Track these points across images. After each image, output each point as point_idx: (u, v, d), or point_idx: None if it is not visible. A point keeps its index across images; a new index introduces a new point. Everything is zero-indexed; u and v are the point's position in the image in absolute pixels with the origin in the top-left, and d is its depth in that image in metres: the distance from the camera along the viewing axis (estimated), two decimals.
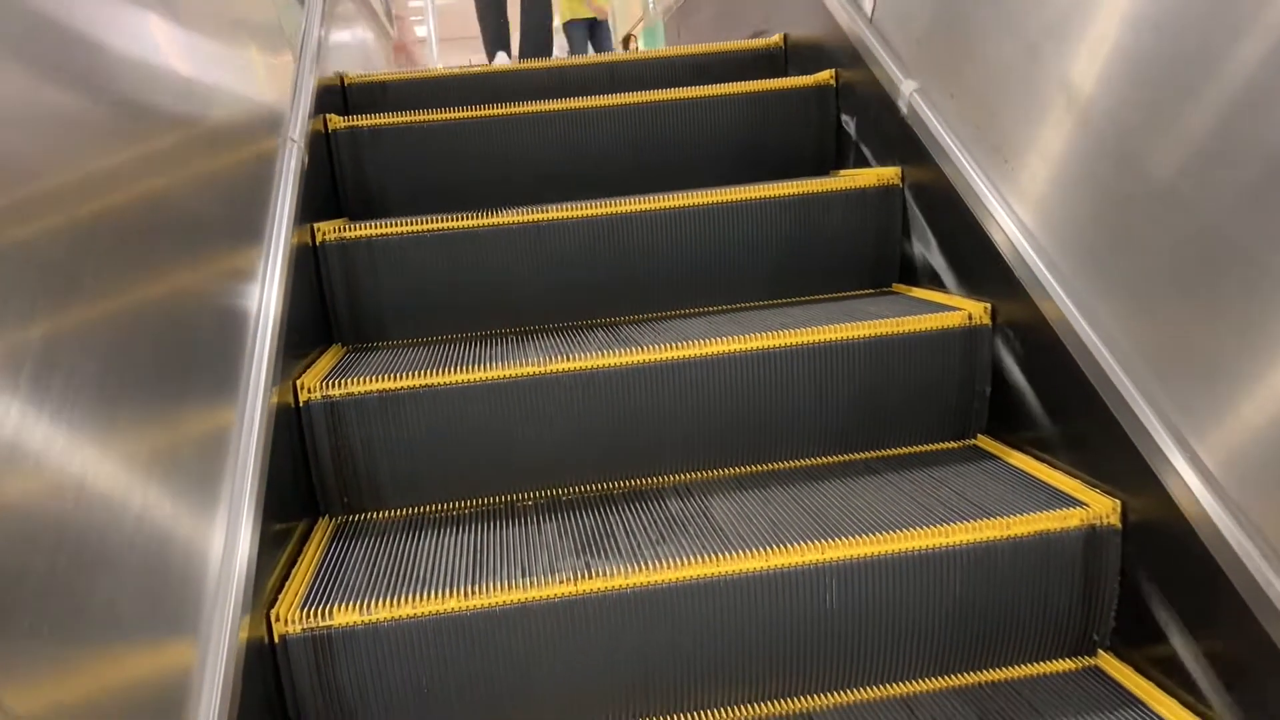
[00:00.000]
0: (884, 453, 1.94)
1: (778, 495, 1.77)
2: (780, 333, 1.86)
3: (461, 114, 2.53)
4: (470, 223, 2.15)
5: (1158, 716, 1.41)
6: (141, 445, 1.14)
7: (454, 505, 1.87)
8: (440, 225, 2.14)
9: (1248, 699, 1.30)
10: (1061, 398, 1.70)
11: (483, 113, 2.53)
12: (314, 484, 1.82)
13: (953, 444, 1.95)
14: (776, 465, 1.93)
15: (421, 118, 2.52)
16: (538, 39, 6.51)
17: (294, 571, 1.58)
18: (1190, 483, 1.34)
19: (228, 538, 1.31)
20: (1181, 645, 1.42)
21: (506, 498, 1.88)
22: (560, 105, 2.55)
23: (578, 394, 1.83)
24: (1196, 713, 1.39)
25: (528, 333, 2.17)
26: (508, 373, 1.81)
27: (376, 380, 1.79)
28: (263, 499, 1.42)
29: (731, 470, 1.92)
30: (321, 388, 1.78)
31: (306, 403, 1.77)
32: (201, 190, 1.52)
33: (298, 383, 1.78)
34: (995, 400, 1.91)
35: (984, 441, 1.93)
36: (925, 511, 1.61)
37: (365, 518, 1.83)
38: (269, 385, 1.56)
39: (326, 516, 1.84)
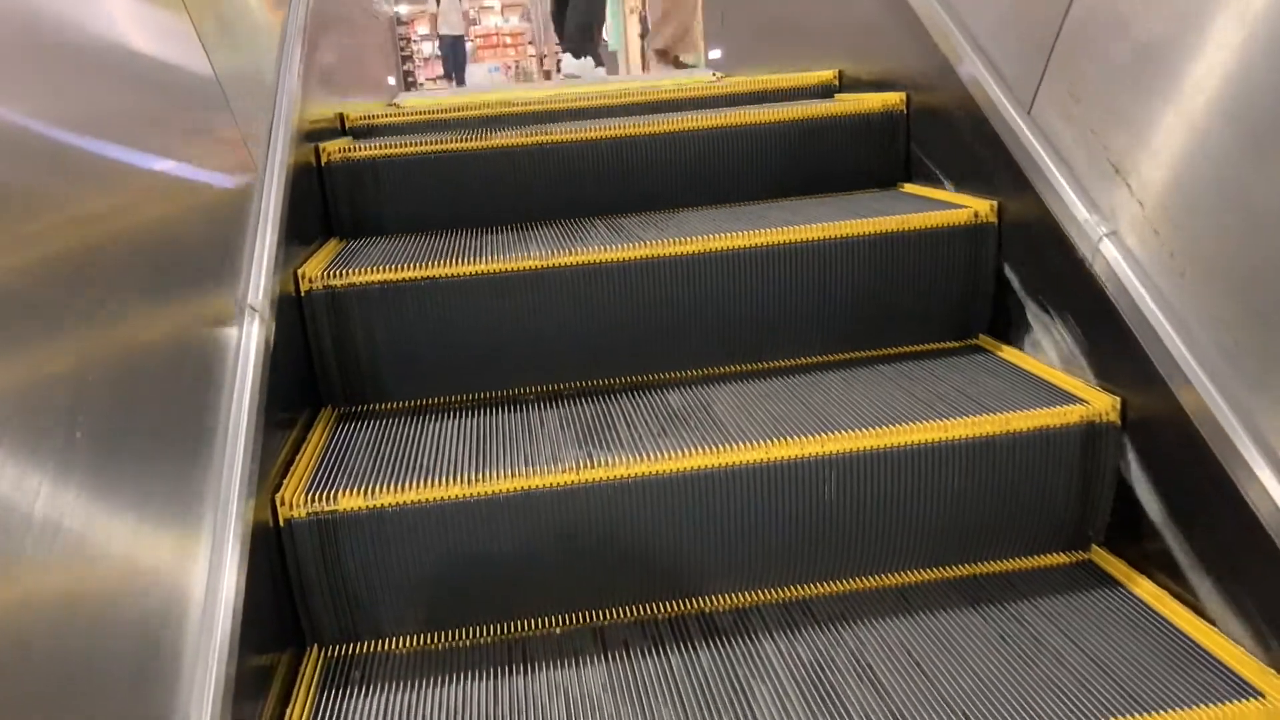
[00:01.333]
0: (886, 351, 1.94)
1: (779, 391, 1.77)
2: (785, 229, 1.84)
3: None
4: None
5: (1148, 608, 1.44)
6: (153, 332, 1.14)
7: (456, 397, 1.87)
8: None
9: (1238, 591, 1.33)
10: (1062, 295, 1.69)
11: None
12: (316, 375, 1.82)
13: (954, 343, 1.95)
14: (778, 363, 1.93)
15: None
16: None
17: (299, 458, 1.60)
18: (1194, 380, 1.34)
19: (231, 422, 1.31)
20: (1175, 541, 1.44)
21: (509, 391, 1.88)
22: None
23: (580, 287, 1.83)
24: (1185, 602, 1.42)
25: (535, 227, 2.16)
26: (511, 265, 1.80)
27: (378, 271, 1.78)
28: (266, 383, 1.43)
29: (733, 367, 1.92)
30: (323, 277, 1.77)
31: (308, 292, 1.77)
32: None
33: (299, 271, 1.77)
34: (997, 299, 1.91)
35: (986, 341, 1.93)
36: (926, 407, 1.62)
37: (369, 408, 1.84)
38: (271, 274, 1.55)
39: (330, 407, 1.84)
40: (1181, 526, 1.43)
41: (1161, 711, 1.23)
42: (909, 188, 2.25)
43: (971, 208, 1.88)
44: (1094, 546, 1.61)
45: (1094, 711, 1.24)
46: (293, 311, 1.73)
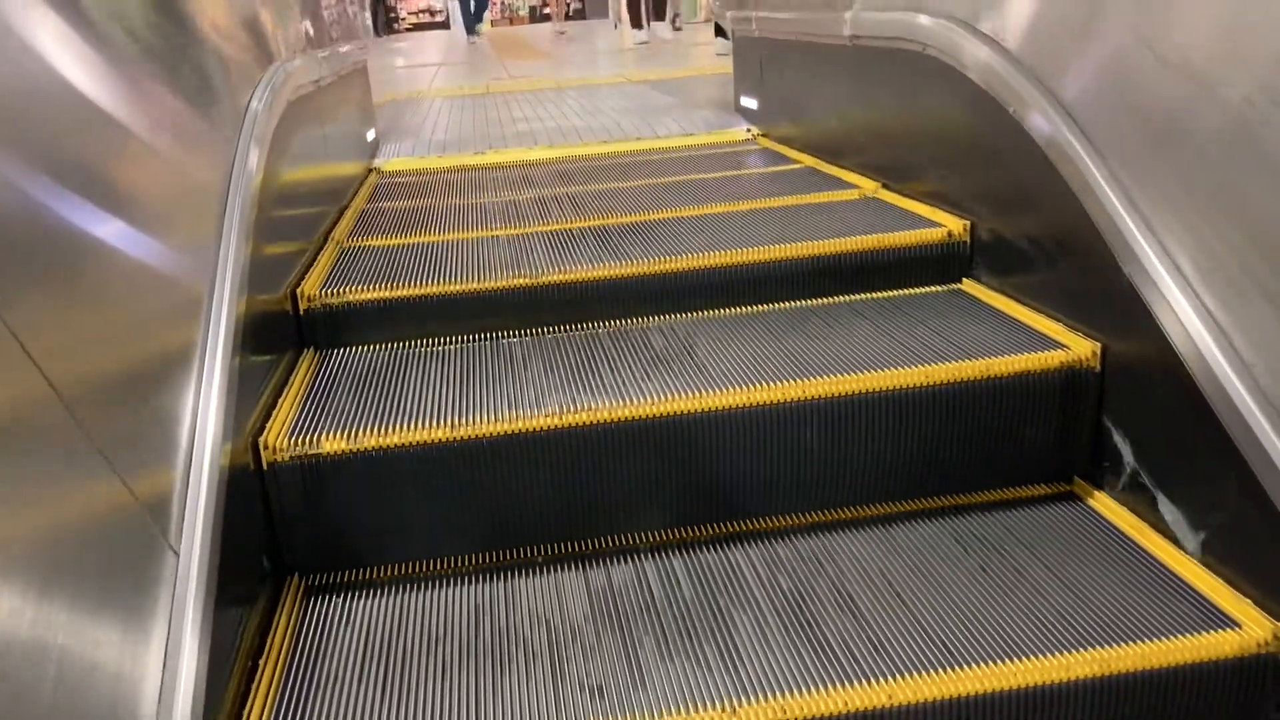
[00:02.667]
0: (869, 295, 1.94)
1: (760, 334, 1.77)
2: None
3: None
4: None
5: (1128, 539, 1.45)
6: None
7: (439, 340, 1.87)
8: None
9: (1204, 507, 1.34)
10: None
11: None
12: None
13: (938, 287, 1.95)
14: (759, 306, 1.93)
15: None
16: None
17: (281, 401, 1.59)
18: (1180, 320, 1.34)
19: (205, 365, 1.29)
20: (1154, 473, 1.45)
21: (492, 332, 1.88)
22: None
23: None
24: (1164, 533, 1.43)
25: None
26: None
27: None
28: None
29: (714, 311, 1.92)
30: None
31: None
32: None
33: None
34: (978, 242, 1.91)
35: (969, 285, 1.93)
36: (907, 352, 1.62)
37: (350, 351, 1.84)
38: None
39: (312, 348, 1.83)
40: (1161, 459, 1.44)
41: (1139, 641, 1.24)
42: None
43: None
44: (1075, 479, 1.62)
45: (1072, 641, 1.24)
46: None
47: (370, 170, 3.33)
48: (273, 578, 1.45)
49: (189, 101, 1.61)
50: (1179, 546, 1.40)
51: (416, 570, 1.51)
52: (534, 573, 1.48)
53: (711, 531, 1.56)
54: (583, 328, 1.88)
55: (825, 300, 1.93)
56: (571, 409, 1.49)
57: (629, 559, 1.50)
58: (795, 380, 1.53)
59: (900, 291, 1.94)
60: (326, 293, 1.85)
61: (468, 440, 1.47)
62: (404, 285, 1.88)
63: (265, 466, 1.43)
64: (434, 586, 1.46)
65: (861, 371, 1.55)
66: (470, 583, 1.47)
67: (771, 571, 1.43)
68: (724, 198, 2.47)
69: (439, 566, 1.52)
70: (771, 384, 1.53)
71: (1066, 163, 1.57)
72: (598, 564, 1.49)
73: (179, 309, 1.29)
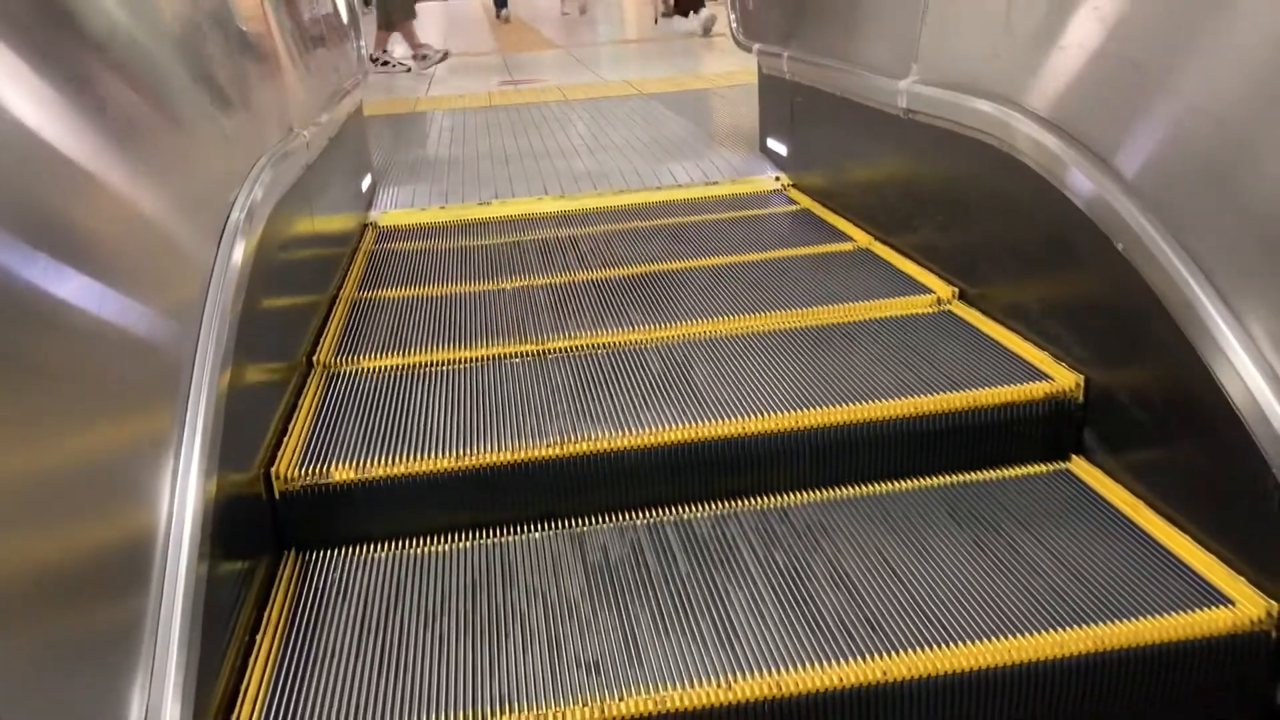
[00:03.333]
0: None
1: (754, 356, 1.82)
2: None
3: None
4: None
5: (1124, 516, 1.45)
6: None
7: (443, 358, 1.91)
8: None
9: (1211, 497, 1.35)
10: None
11: None
12: None
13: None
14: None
15: None
16: None
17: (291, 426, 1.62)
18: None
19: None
20: (1151, 451, 1.45)
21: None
22: None
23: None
24: (1159, 510, 1.43)
25: None
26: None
27: None
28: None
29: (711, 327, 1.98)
30: None
31: None
32: None
33: None
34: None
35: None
36: (899, 383, 1.68)
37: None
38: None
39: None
40: (1158, 437, 1.44)
41: (1134, 619, 1.24)
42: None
43: None
44: (1073, 456, 1.62)
45: (1068, 617, 1.25)
46: None
47: (366, 226, 2.96)
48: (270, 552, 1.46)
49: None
50: (1174, 524, 1.41)
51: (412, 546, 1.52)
52: (529, 550, 1.49)
53: (708, 510, 1.56)
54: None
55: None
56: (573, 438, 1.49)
57: (625, 536, 1.50)
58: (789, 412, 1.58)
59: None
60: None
61: None
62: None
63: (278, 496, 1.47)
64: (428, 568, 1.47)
65: (852, 403, 1.61)
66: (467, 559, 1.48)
67: (768, 548, 1.43)
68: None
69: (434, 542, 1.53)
70: (765, 415, 1.58)
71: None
72: (594, 541, 1.50)
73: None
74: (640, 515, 1.55)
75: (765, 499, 1.56)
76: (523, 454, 1.53)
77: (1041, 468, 1.61)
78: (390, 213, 3.15)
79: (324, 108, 2.53)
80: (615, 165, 3.70)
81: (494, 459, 1.53)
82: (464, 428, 1.61)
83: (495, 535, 1.52)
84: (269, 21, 2.14)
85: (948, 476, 1.60)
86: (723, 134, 4.17)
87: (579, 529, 1.52)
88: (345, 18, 3.47)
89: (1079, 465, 1.60)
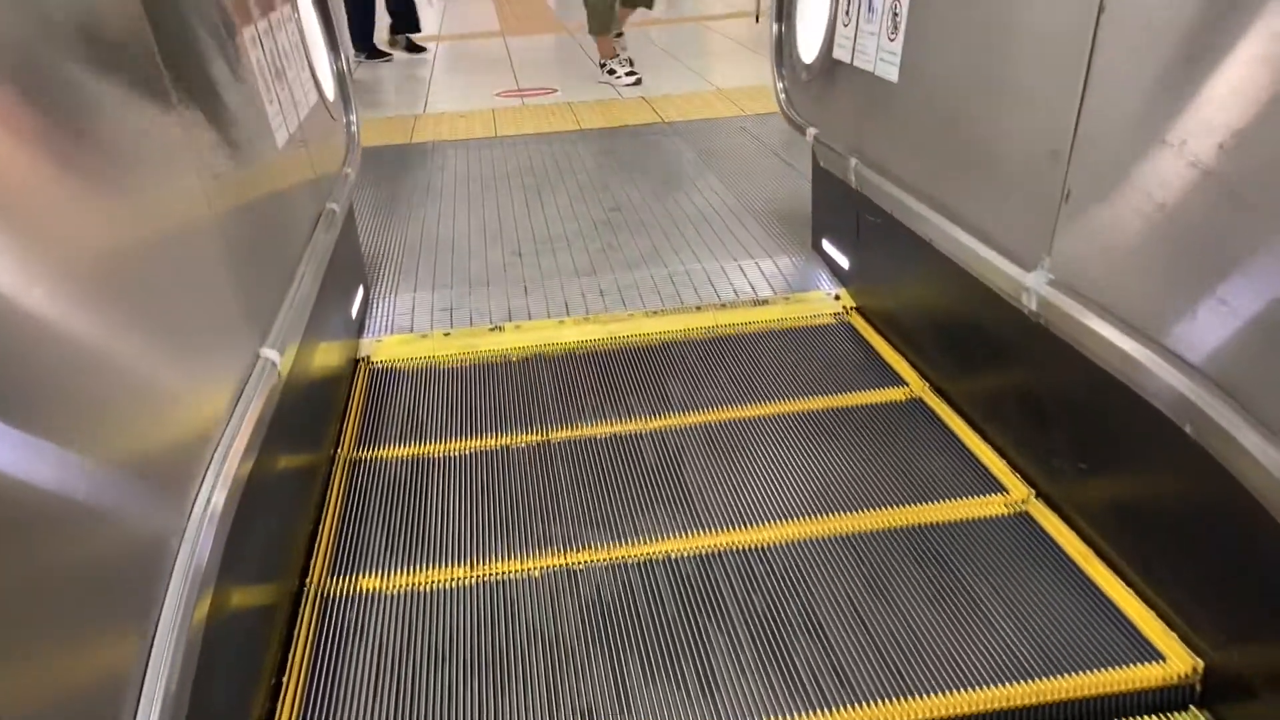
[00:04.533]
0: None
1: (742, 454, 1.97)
2: None
3: None
4: None
5: (1075, 566, 1.61)
6: None
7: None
8: None
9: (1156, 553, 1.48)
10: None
11: None
12: None
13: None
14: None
15: None
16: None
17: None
18: None
19: None
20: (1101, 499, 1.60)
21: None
22: None
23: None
24: (1108, 560, 1.58)
25: None
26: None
27: None
28: None
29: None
30: None
31: None
32: None
33: None
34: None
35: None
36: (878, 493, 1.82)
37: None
38: None
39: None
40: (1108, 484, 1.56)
41: (1072, 674, 1.39)
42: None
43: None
44: (1030, 498, 1.77)
45: (1013, 672, 1.40)
46: None
47: (358, 364, 2.50)
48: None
49: None
50: (1120, 576, 1.55)
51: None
52: (529, 588, 1.63)
53: (695, 547, 1.71)
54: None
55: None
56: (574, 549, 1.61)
57: (617, 574, 1.65)
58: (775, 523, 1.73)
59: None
60: None
61: None
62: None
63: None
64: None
65: (828, 515, 1.75)
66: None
67: (748, 591, 1.59)
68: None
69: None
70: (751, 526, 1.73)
71: None
72: (589, 579, 1.65)
73: None
74: (632, 552, 1.70)
75: (749, 535, 1.73)
76: None
77: (1003, 509, 1.77)
78: (386, 341, 2.61)
79: (301, 282, 1.82)
80: (638, 254, 3.13)
81: None
82: None
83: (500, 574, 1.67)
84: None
85: (913, 512, 1.76)
86: (764, 209, 3.51)
87: (574, 566, 1.68)
88: (335, 99, 2.71)
89: (1036, 508, 1.76)
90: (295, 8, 2.36)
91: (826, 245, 2.95)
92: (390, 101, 5.94)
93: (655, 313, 2.70)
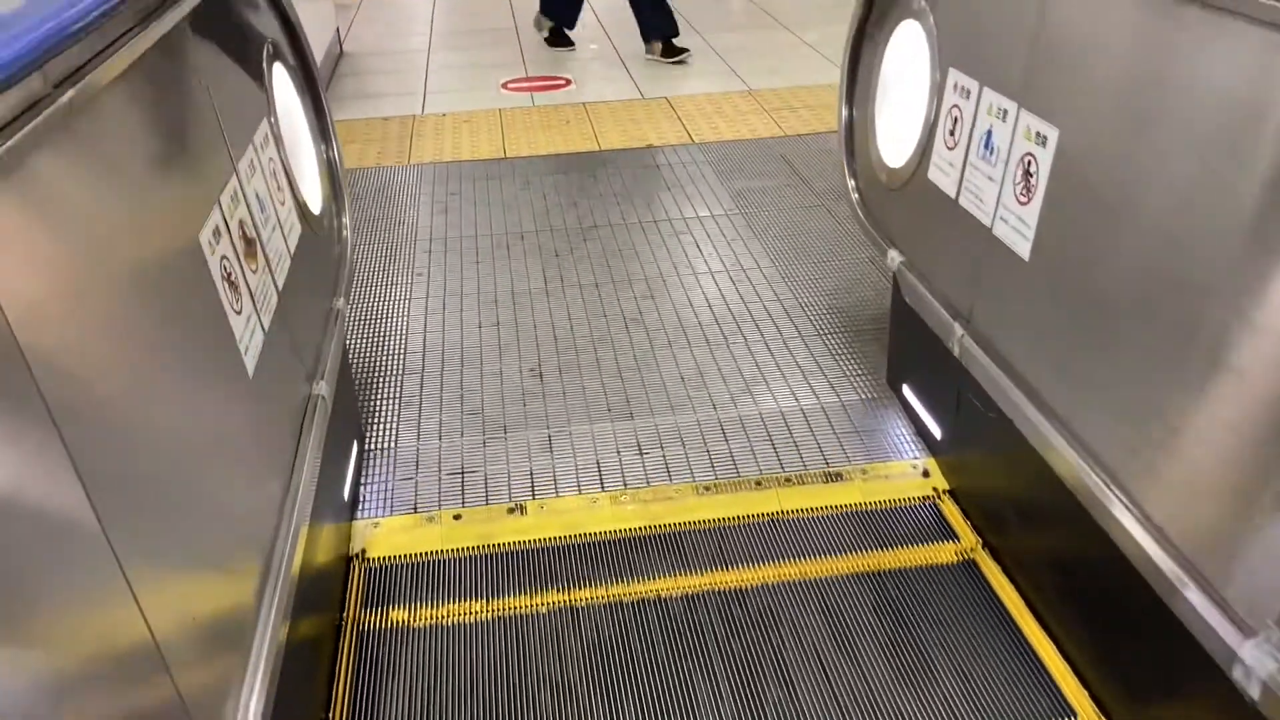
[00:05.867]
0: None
1: None
2: None
3: None
4: None
5: (1010, 619, 1.82)
6: None
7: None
8: None
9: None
10: None
11: None
12: None
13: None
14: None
15: None
16: None
17: None
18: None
19: None
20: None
21: None
22: None
23: None
24: (1036, 613, 1.76)
25: None
26: None
27: None
28: None
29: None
30: None
31: None
32: None
33: None
34: None
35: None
36: None
37: None
38: None
39: None
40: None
41: None
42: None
43: None
44: (978, 546, 1.98)
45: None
46: None
47: (349, 562, 2.08)
48: None
49: None
50: (1047, 629, 1.77)
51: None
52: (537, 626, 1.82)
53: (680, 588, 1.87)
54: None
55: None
56: None
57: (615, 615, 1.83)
58: None
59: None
60: None
61: None
62: None
63: None
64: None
65: None
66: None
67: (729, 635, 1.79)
68: None
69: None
70: None
71: None
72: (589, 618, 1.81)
73: None
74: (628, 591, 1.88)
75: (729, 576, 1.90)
76: None
77: (953, 556, 1.93)
78: (384, 524, 2.16)
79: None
80: (678, 376, 2.65)
81: None
82: None
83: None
84: None
85: (875, 559, 1.95)
86: (823, 304, 2.98)
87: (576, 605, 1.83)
88: (323, 205, 2.23)
89: (982, 557, 1.92)
90: (273, 129, 1.90)
91: (909, 393, 2.44)
92: (386, 90, 5.38)
93: (707, 488, 2.23)
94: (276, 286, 1.69)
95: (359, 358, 2.78)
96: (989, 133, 1.87)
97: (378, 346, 2.86)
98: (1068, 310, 1.61)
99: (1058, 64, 1.63)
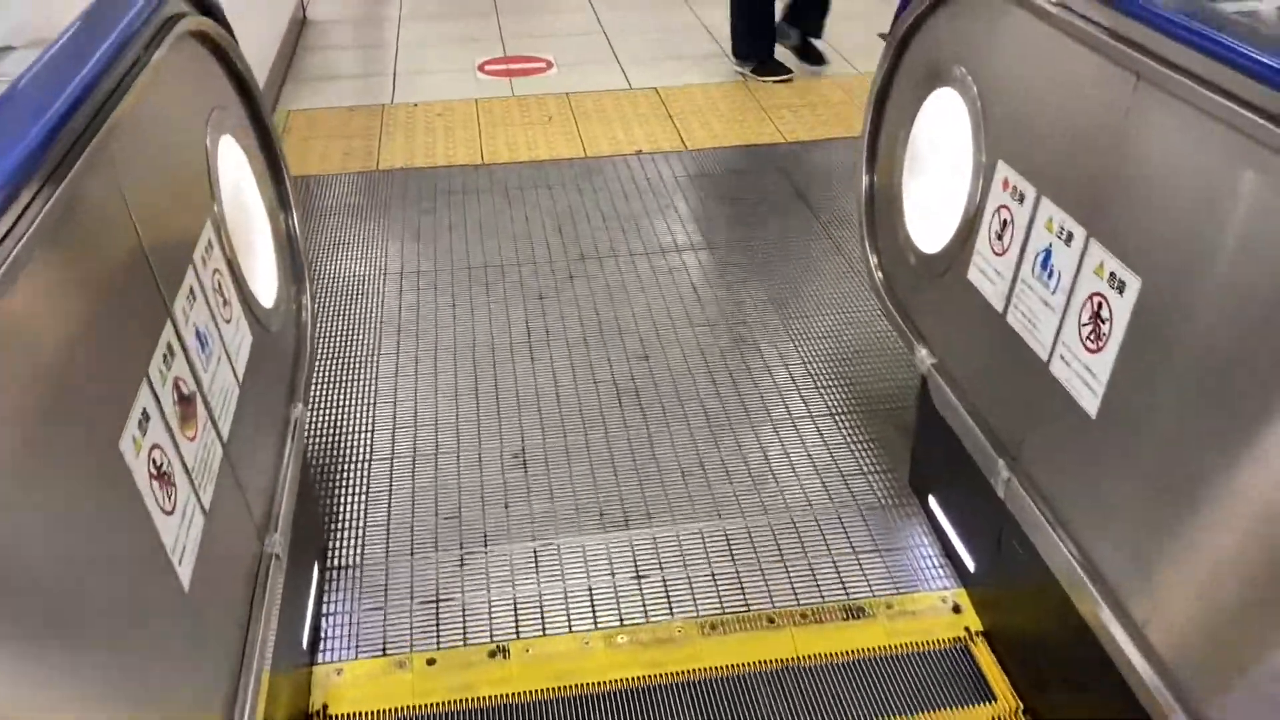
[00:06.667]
0: None
1: None
2: None
3: None
4: None
5: None
6: None
7: None
8: None
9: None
10: None
11: None
12: None
13: None
14: None
15: None
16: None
17: None
18: None
19: None
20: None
21: None
22: None
23: None
24: None
25: None
26: None
27: None
28: None
29: None
30: None
31: None
32: None
33: None
34: None
35: None
36: None
37: None
38: None
39: None
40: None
41: None
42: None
43: None
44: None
45: None
46: None
47: None
48: None
49: None
50: None
51: None
52: None
53: None
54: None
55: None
56: None
57: None
58: None
59: None
60: None
61: None
62: None
63: None
64: None
65: None
66: None
67: None
68: None
69: None
70: None
71: None
72: None
73: None
74: None
75: None
76: None
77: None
78: (348, 671, 1.90)
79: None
80: (676, 468, 2.37)
81: None
82: None
83: None
84: None
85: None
86: (838, 379, 2.68)
87: None
88: (277, 295, 1.88)
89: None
90: (218, 223, 1.60)
91: (936, 508, 2.17)
92: (352, 69, 5.00)
93: (713, 627, 1.99)
94: (221, 439, 1.42)
95: (320, 434, 2.48)
96: (1048, 251, 1.60)
97: (342, 418, 2.55)
98: (1146, 487, 1.36)
99: (1143, 203, 1.35)
